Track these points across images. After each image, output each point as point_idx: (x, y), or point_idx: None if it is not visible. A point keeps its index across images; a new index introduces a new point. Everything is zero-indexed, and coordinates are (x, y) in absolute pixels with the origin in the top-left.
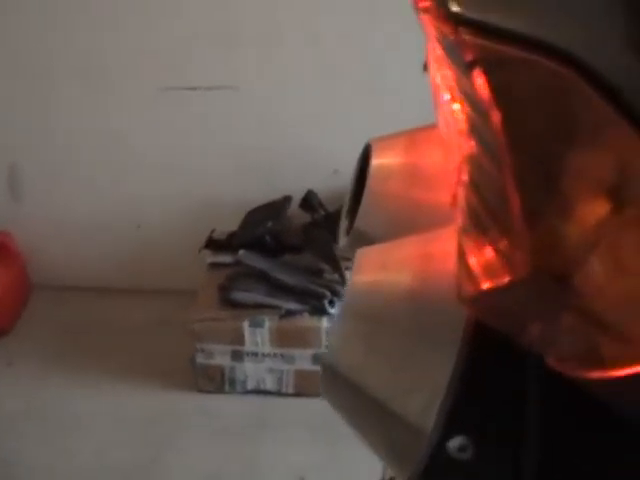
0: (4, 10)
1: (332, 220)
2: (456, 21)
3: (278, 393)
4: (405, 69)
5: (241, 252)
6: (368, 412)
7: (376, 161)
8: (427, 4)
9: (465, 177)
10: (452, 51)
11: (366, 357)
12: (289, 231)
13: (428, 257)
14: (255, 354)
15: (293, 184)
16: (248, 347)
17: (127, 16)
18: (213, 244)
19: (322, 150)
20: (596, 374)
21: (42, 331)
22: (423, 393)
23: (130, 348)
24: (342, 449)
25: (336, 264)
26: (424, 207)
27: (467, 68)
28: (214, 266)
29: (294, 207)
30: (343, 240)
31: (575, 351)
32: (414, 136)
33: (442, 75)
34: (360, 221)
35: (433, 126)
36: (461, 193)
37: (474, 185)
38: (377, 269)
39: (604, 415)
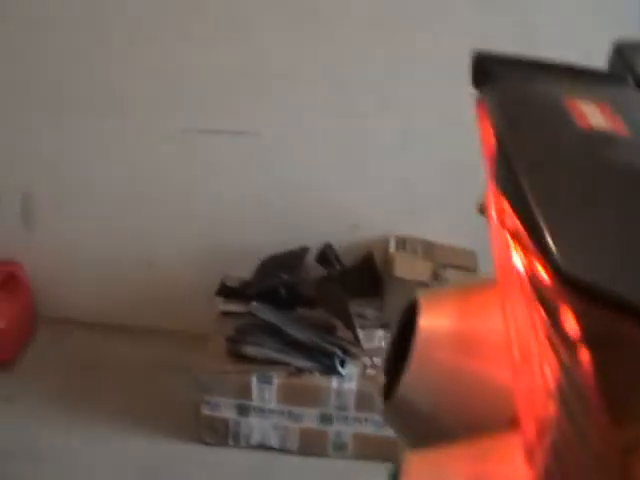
0: (25, 41)
1: (348, 276)
2: (561, 279)
3: (282, 450)
4: (434, 118)
5: (254, 304)
6: None
7: (424, 322)
8: (515, 227)
9: (545, 441)
10: (549, 310)
11: None
12: (304, 284)
13: (485, 477)
14: (262, 409)
15: (310, 235)
16: (255, 402)
17: (151, 49)
18: (225, 291)
19: (342, 203)
20: None
21: (46, 366)
22: None
23: (134, 389)
24: None
25: (349, 322)
26: (475, 382)
27: (569, 343)
28: (225, 314)
29: (309, 259)
30: (381, 403)
31: None
32: (467, 295)
33: (520, 298)
34: (404, 389)
35: (489, 284)
36: (539, 455)
37: (557, 455)
38: None
39: None
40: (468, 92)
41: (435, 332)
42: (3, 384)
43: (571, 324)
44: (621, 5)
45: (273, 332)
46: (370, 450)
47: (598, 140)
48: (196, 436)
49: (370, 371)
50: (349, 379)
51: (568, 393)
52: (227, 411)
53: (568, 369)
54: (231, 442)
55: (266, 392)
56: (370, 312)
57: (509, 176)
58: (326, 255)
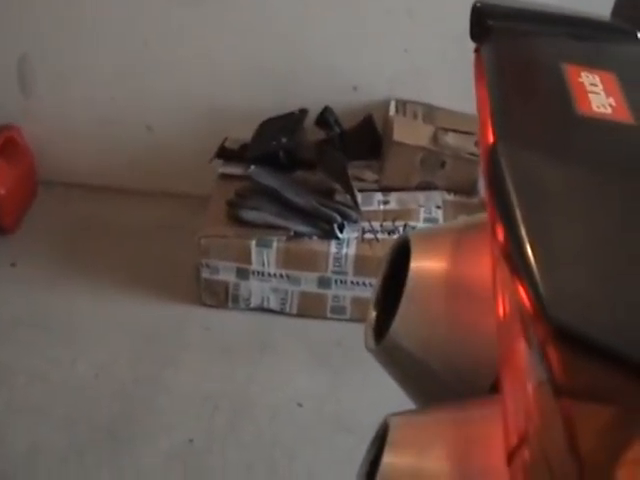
0: None
1: (347, 138)
2: (553, 328)
3: (281, 312)
4: None
5: (252, 168)
6: None
7: (417, 264)
8: (505, 246)
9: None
10: (537, 354)
11: None
12: (303, 147)
13: (468, 444)
14: (261, 273)
15: (310, 97)
16: (254, 266)
17: None
18: (225, 154)
19: (342, 65)
20: None
21: (48, 231)
22: None
23: (136, 252)
24: (342, 377)
25: (348, 185)
26: (465, 328)
27: (554, 390)
28: (225, 177)
29: (309, 122)
30: (370, 341)
31: None
32: (460, 238)
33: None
34: (395, 332)
35: (483, 225)
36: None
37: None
38: (413, 453)
39: None
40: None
41: (427, 276)
42: (6, 250)
43: (557, 371)
44: None
45: (272, 197)
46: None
47: (597, 144)
48: (197, 298)
49: (368, 235)
50: (347, 243)
51: (545, 424)
52: (226, 274)
53: (548, 407)
54: (230, 304)
55: (265, 256)
56: (369, 175)
57: (500, 185)
58: (325, 118)
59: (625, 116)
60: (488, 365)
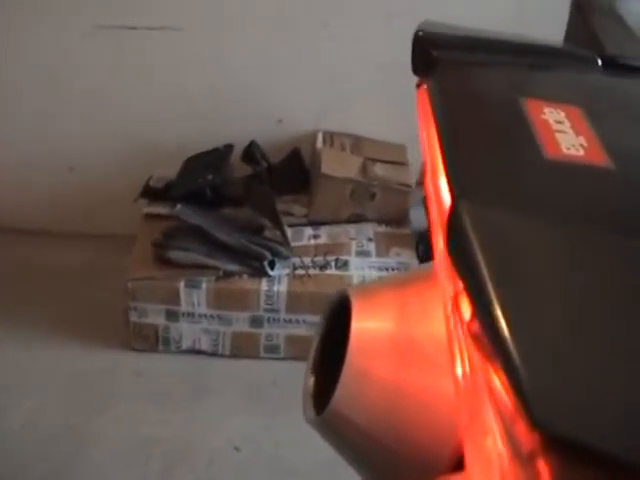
0: None
1: (274, 173)
2: (543, 437)
3: (214, 354)
4: (364, 14)
5: (178, 207)
6: None
7: (359, 326)
8: (474, 325)
9: None
10: (521, 463)
11: None
12: (229, 183)
13: None
14: (191, 314)
15: (235, 132)
16: (184, 307)
17: None
18: (150, 193)
19: (267, 99)
20: None
21: None
22: None
23: (61, 297)
24: (279, 418)
25: (277, 220)
26: (415, 397)
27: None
28: (150, 217)
29: (235, 157)
30: (309, 412)
31: None
32: (405, 294)
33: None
34: (338, 402)
35: (429, 279)
36: None
37: None
38: None
39: None
40: None
41: (371, 338)
42: None
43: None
44: None
45: (199, 236)
46: (302, 351)
47: (574, 194)
48: (126, 342)
49: (300, 271)
50: (279, 281)
51: None
52: (155, 317)
53: None
54: (161, 348)
55: (195, 297)
56: (298, 209)
57: (466, 254)
58: (251, 152)
59: (600, 158)
60: (451, 436)
